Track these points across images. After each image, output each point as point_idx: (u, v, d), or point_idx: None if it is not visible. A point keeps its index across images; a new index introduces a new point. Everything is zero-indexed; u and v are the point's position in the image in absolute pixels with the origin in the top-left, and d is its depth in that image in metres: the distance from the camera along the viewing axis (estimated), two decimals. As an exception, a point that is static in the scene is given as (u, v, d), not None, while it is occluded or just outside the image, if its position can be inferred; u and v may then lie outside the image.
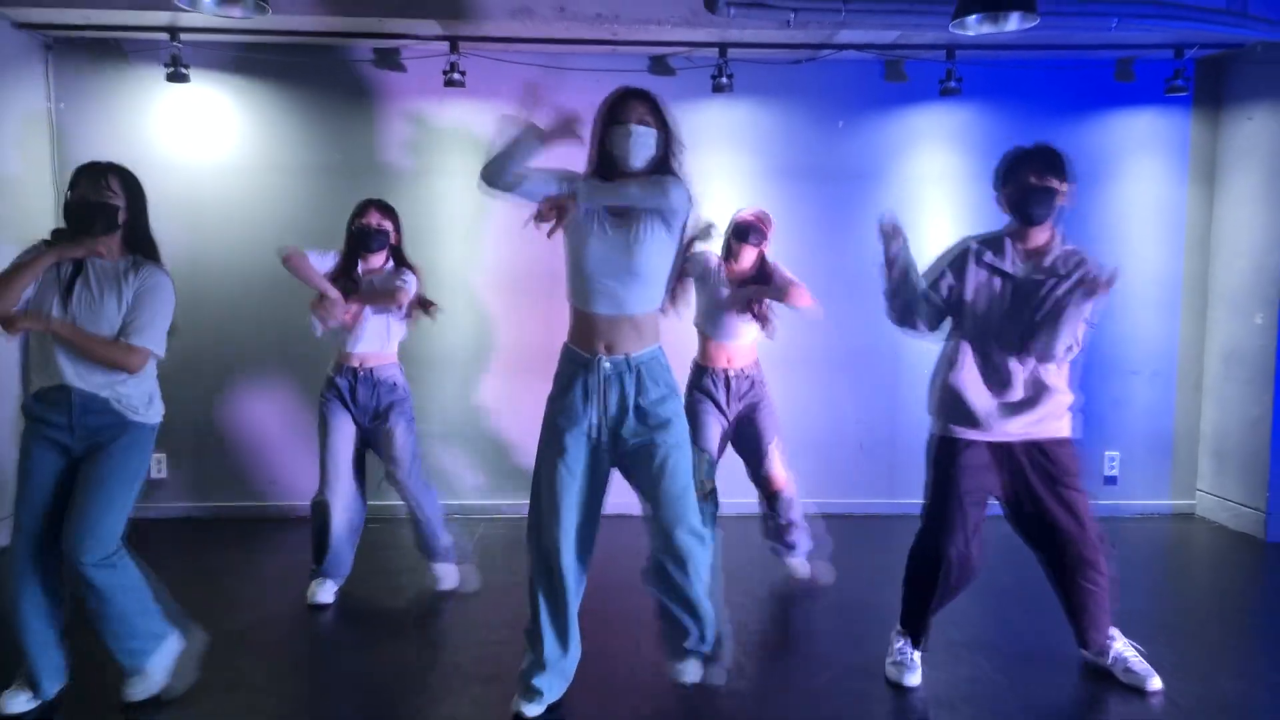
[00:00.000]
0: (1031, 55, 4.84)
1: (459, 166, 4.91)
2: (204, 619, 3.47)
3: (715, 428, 3.75)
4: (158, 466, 4.90)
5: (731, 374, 3.74)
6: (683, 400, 2.74)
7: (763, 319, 3.73)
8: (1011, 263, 2.85)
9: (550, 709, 2.72)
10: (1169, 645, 3.30)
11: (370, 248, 3.62)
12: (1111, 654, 2.99)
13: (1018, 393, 2.82)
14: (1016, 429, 2.84)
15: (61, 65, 4.74)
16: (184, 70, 4.57)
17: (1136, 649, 3.00)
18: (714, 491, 3.70)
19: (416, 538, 3.79)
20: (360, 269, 3.64)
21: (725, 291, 3.73)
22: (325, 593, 3.67)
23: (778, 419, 3.89)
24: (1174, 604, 3.95)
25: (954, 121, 4.99)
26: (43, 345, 2.68)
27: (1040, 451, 2.85)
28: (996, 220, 3.01)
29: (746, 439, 3.83)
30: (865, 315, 4.30)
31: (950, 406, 2.89)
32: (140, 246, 2.80)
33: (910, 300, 2.87)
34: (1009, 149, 2.95)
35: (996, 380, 2.84)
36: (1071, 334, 2.76)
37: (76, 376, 2.65)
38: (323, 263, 3.59)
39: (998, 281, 2.84)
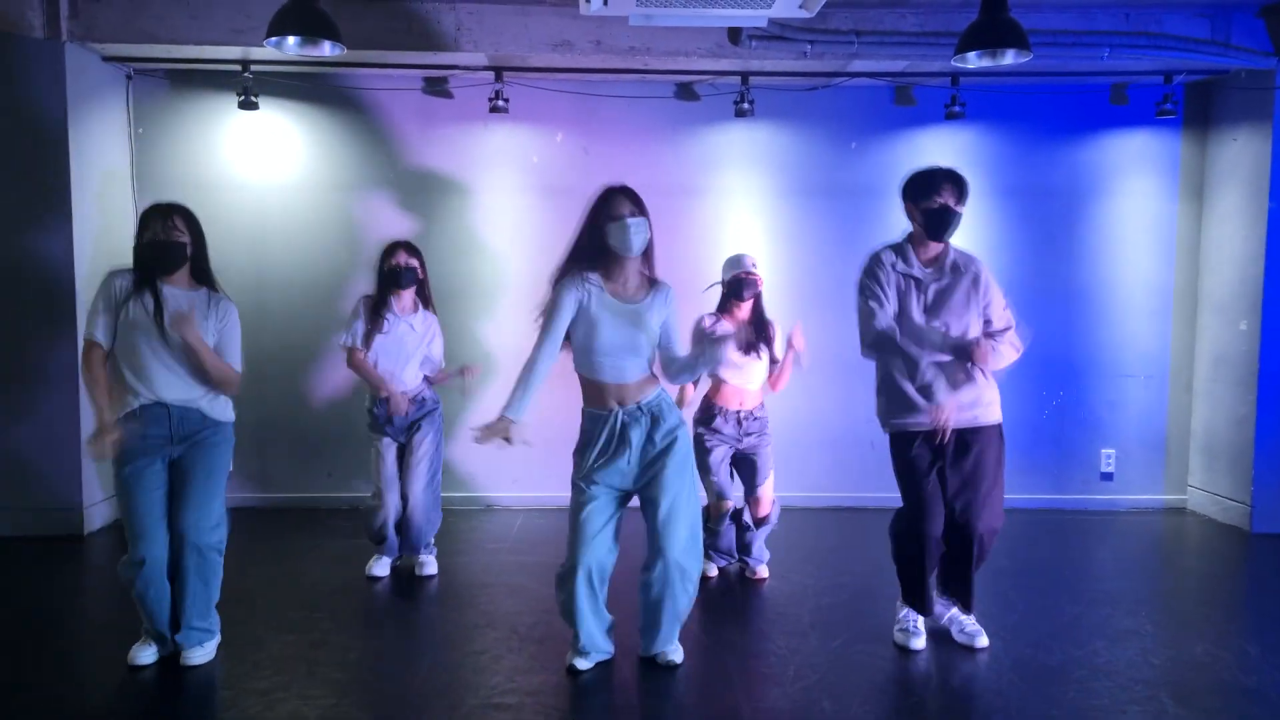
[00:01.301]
0: (1031, 81, 5.23)
1: (502, 185, 5.34)
2: (281, 591, 3.93)
3: (723, 459, 4.07)
4: (224, 460, 5.33)
5: (743, 415, 4.07)
6: (688, 430, 3.15)
7: (770, 354, 4.08)
8: (919, 268, 3.27)
9: (598, 666, 3.13)
10: (1149, 618, 3.67)
11: (401, 284, 4.03)
12: (949, 615, 3.42)
13: (943, 388, 3.20)
14: (956, 418, 3.21)
15: (141, 94, 5.21)
16: (254, 99, 5.02)
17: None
18: (733, 511, 4.09)
19: (404, 535, 4.16)
20: (393, 305, 4.05)
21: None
22: (381, 567, 4.16)
23: (772, 458, 4.18)
24: (1160, 586, 4.32)
25: (959, 142, 5.37)
26: (132, 371, 3.06)
27: (973, 434, 3.23)
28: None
29: (744, 472, 4.15)
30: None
31: (897, 407, 3.29)
32: (204, 276, 3.20)
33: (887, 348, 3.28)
34: (922, 168, 3.29)
35: (921, 379, 3.22)
36: (978, 319, 3.21)
37: (171, 392, 3.06)
38: (357, 330, 4.05)
39: (911, 285, 3.26)
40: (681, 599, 3.10)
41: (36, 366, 4.71)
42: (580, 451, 3.12)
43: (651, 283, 3.12)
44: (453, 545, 4.60)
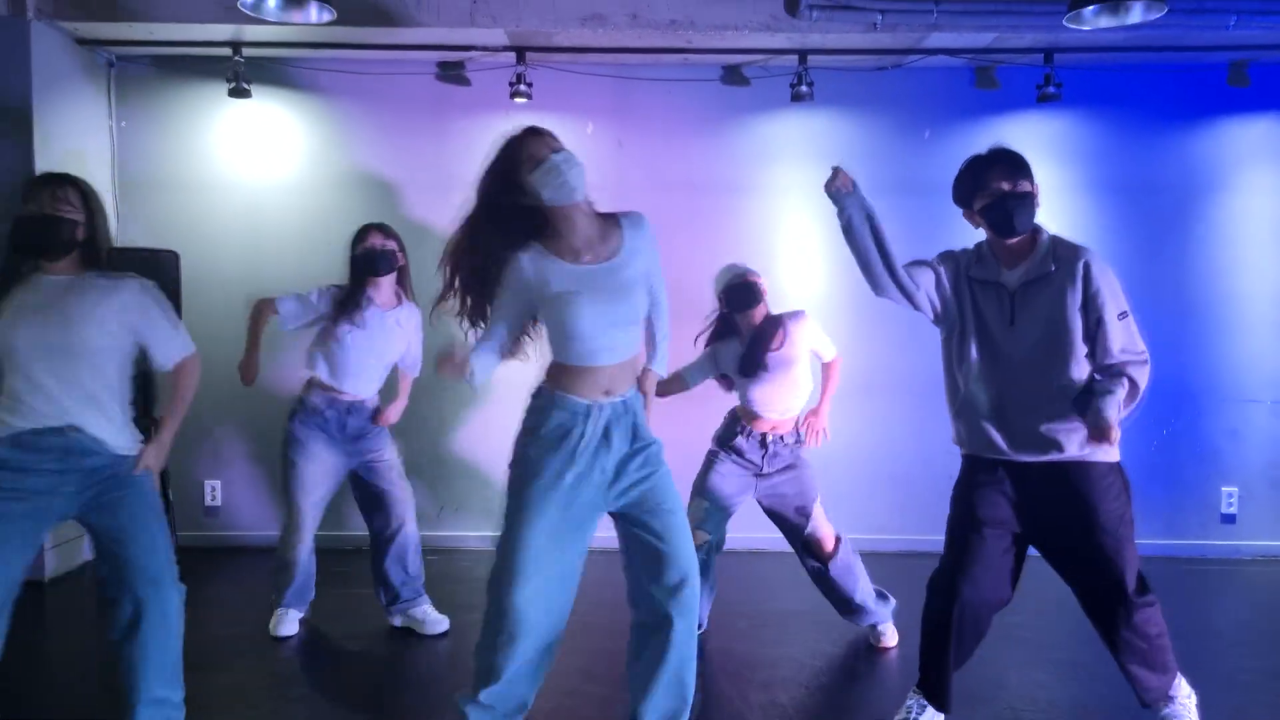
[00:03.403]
0: (1136, 58, 4.52)
1: (524, 182, 4.72)
2: (254, 657, 3.31)
3: (731, 480, 3.37)
4: (211, 494, 4.74)
5: (771, 438, 3.36)
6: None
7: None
8: (999, 273, 2.58)
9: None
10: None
11: (379, 270, 3.38)
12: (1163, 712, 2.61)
13: (1037, 417, 2.52)
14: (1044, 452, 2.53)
15: (124, 83, 4.68)
16: (246, 86, 4.47)
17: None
18: (710, 544, 3.35)
19: (397, 582, 3.58)
20: (369, 295, 3.41)
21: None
22: (290, 623, 3.52)
23: (814, 480, 3.43)
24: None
25: (1051, 130, 4.67)
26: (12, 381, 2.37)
27: (1072, 475, 2.51)
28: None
29: (785, 504, 3.39)
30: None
31: (969, 430, 2.68)
32: (99, 263, 2.52)
33: (872, 267, 2.62)
34: (965, 160, 2.68)
35: (1014, 406, 2.55)
36: (1074, 333, 2.47)
37: (64, 414, 2.37)
38: (306, 308, 3.41)
39: (990, 294, 2.58)
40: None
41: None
42: (541, 451, 2.33)
43: (612, 221, 2.40)
44: (469, 599, 3.92)
